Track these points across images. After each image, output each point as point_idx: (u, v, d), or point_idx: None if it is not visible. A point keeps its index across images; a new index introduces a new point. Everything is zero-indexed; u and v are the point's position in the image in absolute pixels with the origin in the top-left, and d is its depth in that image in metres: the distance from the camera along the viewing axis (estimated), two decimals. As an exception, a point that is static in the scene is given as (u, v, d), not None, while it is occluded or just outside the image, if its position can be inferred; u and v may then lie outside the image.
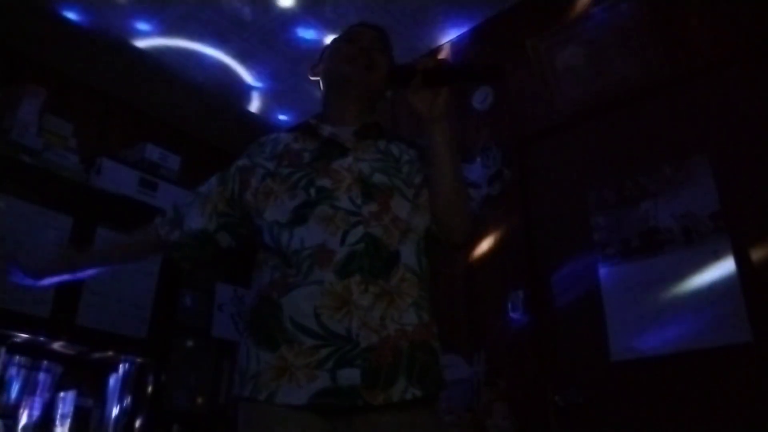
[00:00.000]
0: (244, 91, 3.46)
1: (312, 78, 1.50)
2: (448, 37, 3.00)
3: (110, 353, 2.70)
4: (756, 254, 1.87)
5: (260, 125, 3.75)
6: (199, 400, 3.04)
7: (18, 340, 2.46)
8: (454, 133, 1.29)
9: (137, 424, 2.64)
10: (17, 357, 2.52)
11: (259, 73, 3.33)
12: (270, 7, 2.88)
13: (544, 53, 2.53)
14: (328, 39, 3.03)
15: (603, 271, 2.16)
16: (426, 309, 1.19)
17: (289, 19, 2.95)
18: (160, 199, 2.94)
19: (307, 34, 3.03)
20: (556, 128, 2.48)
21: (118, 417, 2.64)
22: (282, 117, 3.68)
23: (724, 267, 1.91)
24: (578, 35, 2.46)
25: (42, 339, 2.50)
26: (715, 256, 1.93)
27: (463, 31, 2.97)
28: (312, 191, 1.22)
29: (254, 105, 3.58)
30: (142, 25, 3.03)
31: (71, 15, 2.97)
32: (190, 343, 3.07)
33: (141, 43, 3.14)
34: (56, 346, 2.58)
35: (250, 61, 3.24)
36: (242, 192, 1.34)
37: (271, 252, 1.27)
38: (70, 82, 3.37)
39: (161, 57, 3.22)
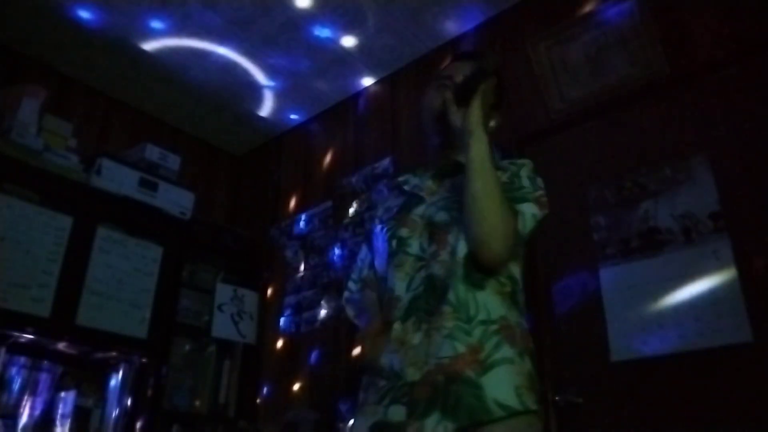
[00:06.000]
0: (244, 91, 3.46)
1: None
2: (449, 37, 3.01)
3: (110, 353, 2.70)
4: (756, 254, 1.87)
5: (260, 125, 3.76)
6: (199, 400, 3.04)
7: (18, 340, 2.46)
8: (489, 147, 1.25)
9: (137, 424, 2.64)
10: (17, 357, 2.52)
11: (259, 74, 3.33)
12: (271, 7, 2.88)
13: (544, 53, 2.53)
14: (328, 40, 3.05)
15: (603, 271, 2.16)
16: (463, 340, 1.16)
17: (289, 19, 2.95)
18: (160, 199, 2.94)
19: (307, 35, 3.03)
20: (556, 128, 2.48)
21: (118, 417, 2.64)
22: (282, 117, 3.68)
23: (724, 267, 1.91)
24: (578, 35, 2.46)
25: (42, 339, 2.50)
26: (715, 256, 1.93)
27: (464, 31, 2.97)
28: (393, 243, 1.34)
29: (254, 105, 3.58)
30: (142, 25, 3.03)
31: (71, 15, 2.97)
32: (190, 343, 3.07)
33: (141, 43, 3.14)
34: (56, 346, 2.57)
35: (251, 61, 3.24)
36: None
37: None
38: (70, 82, 3.37)
39: (162, 57, 3.22)
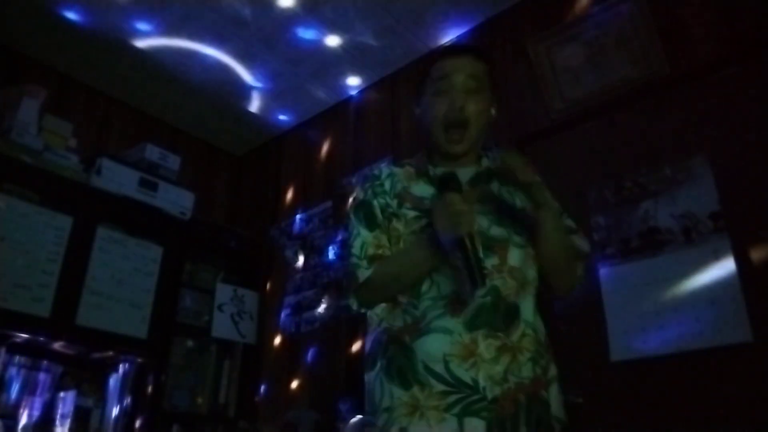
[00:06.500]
0: (244, 91, 3.46)
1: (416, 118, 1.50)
2: (448, 37, 3.01)
3: (110, 353, 2.70)
4: (756, 254, 1.87)
5: (260, 125, 3.76)
6: (199, 400, 3.04)
7: (18, 340, 2.46)
8: (550, 200, 1.32)
9: (137, 424, 2.64)
10: (17, 357, 2.52)
11: (259, 73, 3.33)
12: (270, 7, 2.88)
13: (544, 53, 2.53)
14: (328, 39, 3.05)
15: (603, 271, 2.16)
16: (540, 363, 1.24)
17: (289, 19, 2.95)
18: (160, 199, 2.94)
19: (307, 34, 3.03)
20: (555, 128, 2.48)
21: (118, 417, 2.64)
22: (282, 117, 3.68)
23: (724, 267, 1.91)
24: (578, 35, 2.46)
25: (42, 339, 2.50)
26: (715, 256, 1.93)
27: (463, 31, 2.97)
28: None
29: (254, 105, 3.58)
30: (142, 25, 3.04)
31: (71, 15, 2.97)
32: (190, 343, 3.07)
33: (141, 43, 3.14)
34: (56, 346, 2.57)
35: (250, 61, 3.24)
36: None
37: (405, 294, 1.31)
38: (70, 82, 3.37)
39: (161, 57, 3.22)
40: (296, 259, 3.31)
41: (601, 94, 2.37)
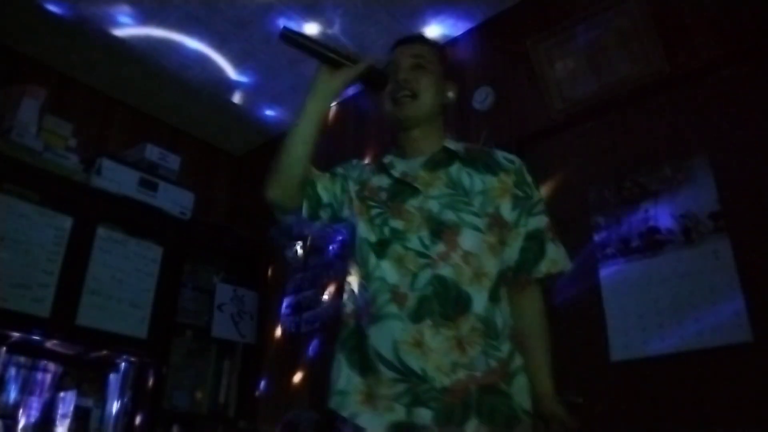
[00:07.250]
0: (244, 91, 3.46)
1: None
2: (449, 37, 3.01)
3: (110, 353, 2.70)
4: (756, 254, 1.87)
5: (260, 125, 3.76)
6: (199, 399, 3.04)
7: (18, 339, 2.46)
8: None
9: (137, 423, 2.64)
10: (17, 357, 2.52)
11: (258, 73, 3.32)
12: (270, 6, 2.88)
13: (544, 53, 2.53)
14: (328, 39, 3.04)
15: (603, 271, 2.16)
16: (495, 356, 1.21)
17: (288, 19, 2.94)
18: (160, 199, 2.94)
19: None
20: (555, 128, 2.48)
21: (118, 417, 2.65)
22: (282, 117, 3.67)
23: (724, 267, 1.91)
24: (578, 35, 2.46)
25: (42, 339, 2.50)
26: (715, 256, 1.93)
27: (463, 31, 2.97)
28: (386, 230, 1.28)
29: (254, 105, 3.58)
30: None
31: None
32: (190, 343, 3.08)
33: (145, 44, 3.13)
34: (56, 345, 2.58)
35: (250, 60, 3.24)
36: (348, 195, 1.40)
37: (358, 271, 1.32)
38: (70, 82, 3.37)
39: (161, 57, 3.22)
40: (296, 259, 3.30)
41: (601, 94, 2.38)
